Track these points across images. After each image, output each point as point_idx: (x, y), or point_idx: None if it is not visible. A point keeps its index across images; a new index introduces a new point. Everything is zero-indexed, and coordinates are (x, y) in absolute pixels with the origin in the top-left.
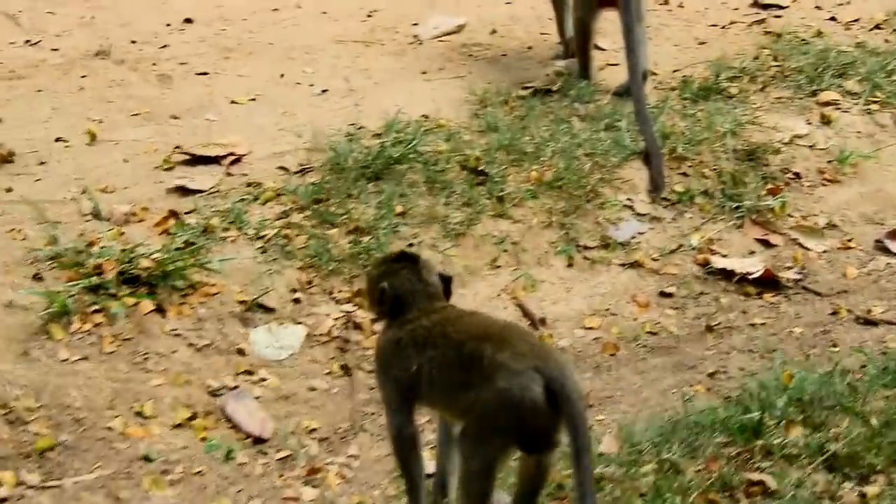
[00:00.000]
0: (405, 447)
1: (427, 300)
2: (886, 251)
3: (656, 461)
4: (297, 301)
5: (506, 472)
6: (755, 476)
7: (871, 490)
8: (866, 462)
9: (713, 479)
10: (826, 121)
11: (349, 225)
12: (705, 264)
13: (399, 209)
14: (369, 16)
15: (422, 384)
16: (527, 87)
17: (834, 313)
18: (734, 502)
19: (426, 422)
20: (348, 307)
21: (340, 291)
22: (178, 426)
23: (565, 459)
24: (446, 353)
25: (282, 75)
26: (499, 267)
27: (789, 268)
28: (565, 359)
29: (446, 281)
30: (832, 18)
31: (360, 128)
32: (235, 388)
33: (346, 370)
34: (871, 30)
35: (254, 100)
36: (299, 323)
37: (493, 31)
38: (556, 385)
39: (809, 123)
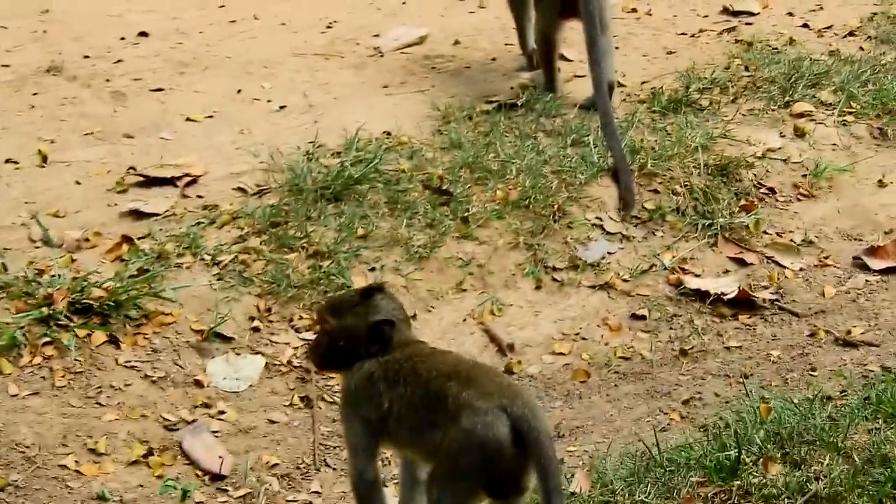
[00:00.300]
0: (368, 493)
1: (405, 331)
2: (865, 268)
3: (630, 502)
4: (255, 329)
5: None
6: None
7: None
8: (849, 503)
9: None
10: (800, 133)
11: (308, 249)
12: (678, 285)
13: (360, 231)
14: (329, 27)
15: (390, 423)
16: (491, 101)
17: (812, 335)
18: None
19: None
20: (308, 335)
21: (301, 319)
22: (134, 463)
23: None
24: (414, 392)
25: (239, 91)
26: (464, 290)
27: (765, 287)
28: (533, 399)
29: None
30: (804, 25)
31: (319, 146)
32: (193, 421)
33: (306, 402)
34: (845, 37)
35: (210, 117)
36: (258, 352)
37: (457, 42)
38: (524, 425)
39: (783, 136)
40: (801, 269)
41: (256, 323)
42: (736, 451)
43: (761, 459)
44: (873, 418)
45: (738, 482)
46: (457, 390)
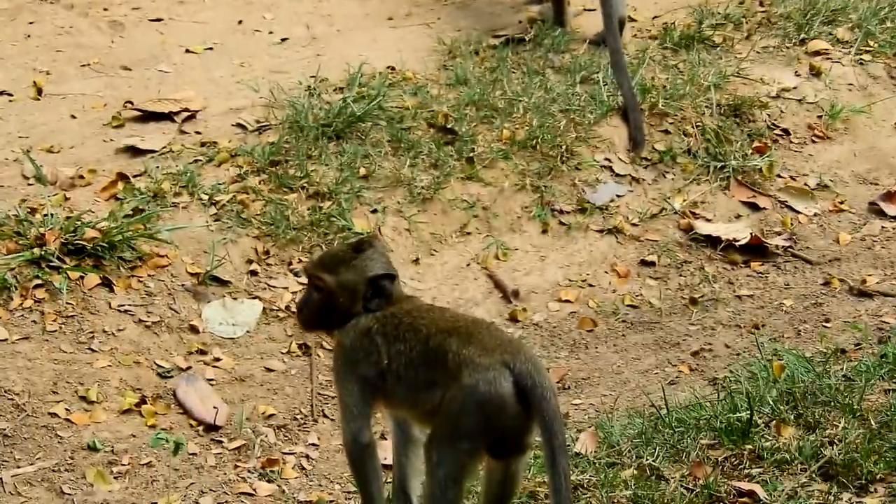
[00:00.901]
0: (362, 456)
1: (398, 286)
2: (881, 214)
3: (636, 465)
4: (253, 273)
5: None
6: (744, 485)
7: (870, 502)
8: (865, 470)
9: (698, 488)
10: (815, 72)
11: (308, 189)
12: (689, 230)
13: (362, 171)
14: None
15: (388, 382)
16: (498, 36)
17: (826, 283)
18: None
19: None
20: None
21: (300, 262)
22: (126, 412)
23: (538, 465)
24: (413, 348)
25: (240, 22)
26: (469, 234)
27: (778, 233)
28: (535, 354)
29: None
30: None
31: (321, 80)
32: (187, 369)
33: (305, 349)
34: None
35: (210, 49)
36: (255, 297)
37: None
38: (527, 381)
39: (798, 75)
40: (815, 215)
41: (254, 266)
42: (747, 412)
43: (774, 421)
44: (890, 378)
45: (750, 445)
46: (457, 346)
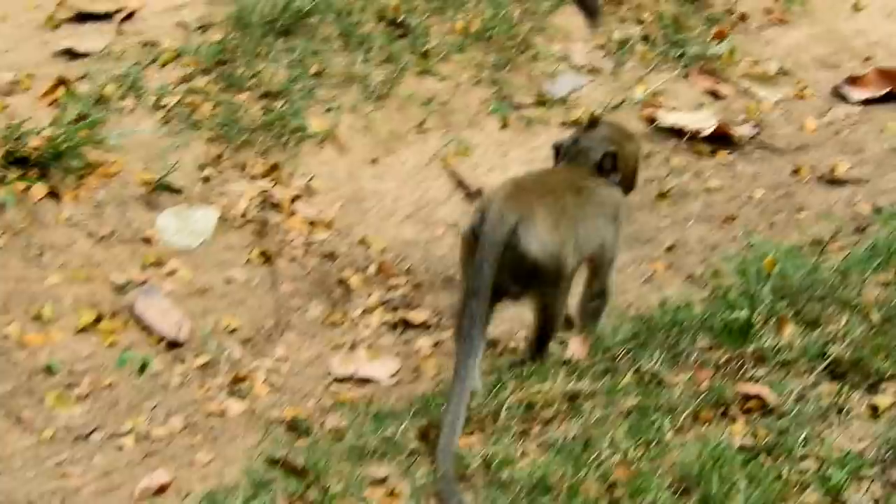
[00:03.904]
0: None
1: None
2: (845, 99)
3: (634, 371)
4: (206, 179)
5: None
6: (751, 388)
7: (882, 401)
8: (874, 368)
9: (703, 393)
10: None
11: (259, 88)
12: (652, 120)
13: (314, 69)
14: None
15: None
16: None
17: (795, 172)
18: (730, 421)
19: None
20: (264, 183)
21: (254, 166)
22: (83, 331)
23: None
24: None
25: None
26: (427, 130)
27: (743, 121)
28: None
29: None
30: None
31: None
32: (144, 282)
33: (266, 258)
34: None
35: None
36: (211, 204)
37: None
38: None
39: None
40: (778, 101)
41: (207, 171)
42: (745, 311)
43: (772, 320)
44: (883, 269)
45: (752, 346)
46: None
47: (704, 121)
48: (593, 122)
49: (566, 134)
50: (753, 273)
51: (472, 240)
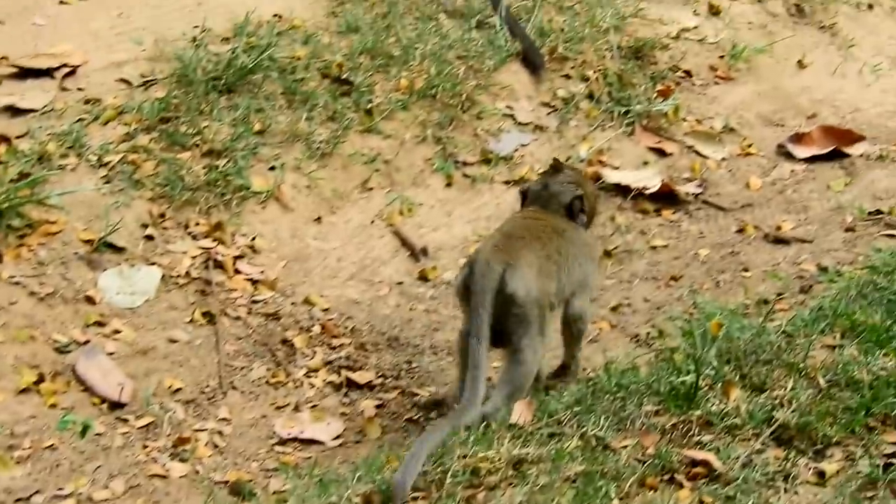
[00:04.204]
0: None
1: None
2: (790, 157)
3: (580, 436)
4: (149, 238)
5: None
6: (697, 454)
7: (828, 467)
8: (820, 433)
9: (649, 459)
10: (714, 11)
11: (202, 146)
12: (597, 178)
13: (257, 126)
14: None
15: None
16: None
17: (740, 231)
18: (676, 487)
19: None
20: (207, 242)
21: (197, 225)
22: (24, 391)
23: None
24: None
25: None
26: (371, 189)
27: (688, 179)
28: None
29: None
30: None
31: (206, 30)
32: (86, 342)
33: (209, 318)
34: None
35: None
36: (153, 263)
37: None
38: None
39: (697, 14)
40: (723, 159)
41: (150, 230)
42: (690, 375)
43: (719, 384)
44: (830, 331)
45: (698, 411)
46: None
47: (649, 179)
48: (557, 167)
49: (511, 192)
50: (699, 335)
51: (464, 291)
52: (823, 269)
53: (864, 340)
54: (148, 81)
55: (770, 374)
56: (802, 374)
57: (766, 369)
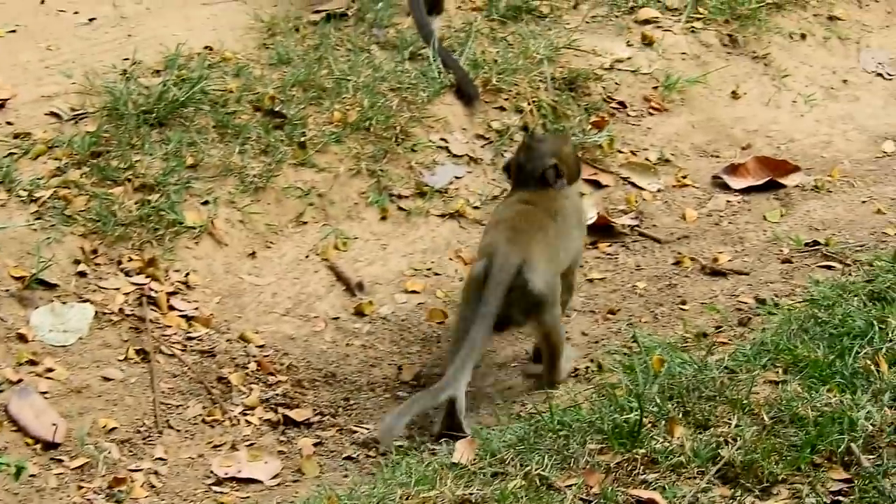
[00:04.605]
0: None
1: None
2: (725, 188)
3: (524, 476)
4: (81, 274)
5: None
6: (642, 493)
7: None
8: (766, 471)
9: (594, 499)
10: (648, 42)
11: (135, 181)
12: None
13: (189, 160)
14: None
15: None
16: (318, 11)
17: (677, 263)
18: None
19: None
20: (140, 279)
21: (131, 260)
22: None
23: None
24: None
25: (42, 2)
26: (305, 223)
27: (623, 211)
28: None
29: None
30: None
31: (136, 63)
32: (18, 381)
33: (143, 355)
34: None
35: (13, 32)
36: (86, 300)
37: None
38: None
39: (630, 45)
40: (659, 191)
41: (82, 267)
42: (634, 412)
43: (662, 421)
44: (772, 367)
45: (642, 449)
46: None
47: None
48: (531, 137)
49: (446, 225)
50: (641, 371)
51: (483, 279)
52: (761, 302)
53: (807, 376)
54: (78, 115)
55: (714, 411)
56: (746, 410)
57: (709, 406)
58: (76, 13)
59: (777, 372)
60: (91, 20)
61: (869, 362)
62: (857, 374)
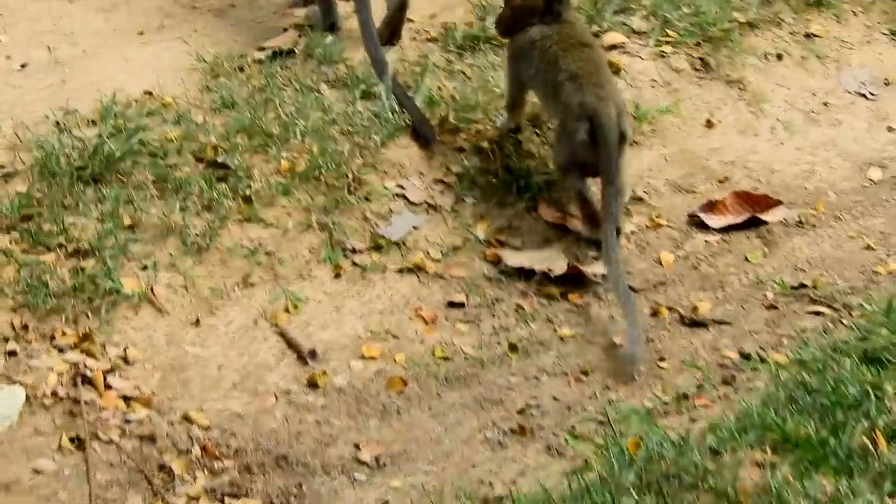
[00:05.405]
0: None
1: (567, 11)
2: (703, 227)
3: None
4: (11, 354)
5: None
6: None
7: None
8: None
9: None
10: (615, 69)
11: (68, 246)
12: (497, 261)
13: (127, 220)
14: None
15: (535, 82)
16: (264, 49)
17: (654, 314)
18: None
19: None
20: (75, 355)
21: (64, 335)
22: None
23: None
24: (549, 72)
25: None
26: (253, 285)
27: (595, 258)
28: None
29: None
30: None
31: (71, 112)
32: None
33: (78, 443)
34: None
35: None
36: (16, 382)
37: None
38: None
39: None
40: (632, 232)
41: (12, 345)
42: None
43: None
44: (759, 445)
45: None
46: (570, 91)
47: (553, 260)
48: None
49: (404, 281)
50: (616, 455)
51: (590, 143)
52: (746, 357)
53: (798, 457)
54: (7, 174)
55: (697, 502)
56: (731, 501)
57: (691, 496)
58: (8, 58)
59: (764, 452)
60: (23, 66)
61: (866, 439)
62: (854, 455)
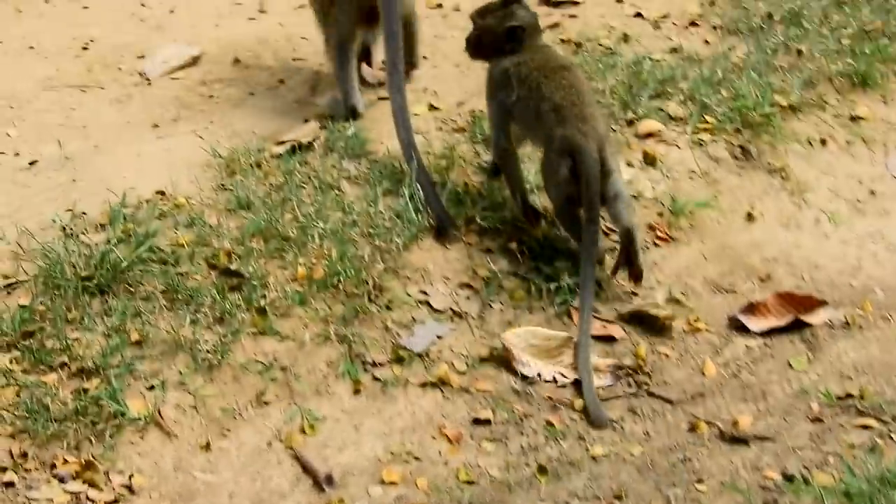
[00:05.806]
0: (503, 156)
1: (536, 38)
2: (743, 330)
3: None
4: (8, 485)
5: None
6: None
7: None
8: None
9: None
10: (650, 160)
11: (71, 365)
12: (524, 375)
13: (134, 336)
14: (85, 48)
15: (515, 110)
16: (282, 143)
17: (692, 429)
18: None
19: None
20: (76, 485)
21: (65, 463)
22: None
23: None
24: (529, 102)
25: None
26: (267, 403)
27: (631, 368)
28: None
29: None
30: (638, 14)
31: (79, 215)
32: None
33: None
34: (686, 27)
35: None
36: None
37: (237, 61)
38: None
39: (631, 165)
40: (670, 339)
41: (10, 475)
42: None
43: None
44: None
45: None
46: (554, 123)
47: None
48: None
49: (428, 397)
50: None
51: (571, 179)
52: (789, 479)
53: None
54: (10, 284)
55: None
56: None
57: None
58: (17, 155)
59: None
60: (32, 163)
61: None
62: None
